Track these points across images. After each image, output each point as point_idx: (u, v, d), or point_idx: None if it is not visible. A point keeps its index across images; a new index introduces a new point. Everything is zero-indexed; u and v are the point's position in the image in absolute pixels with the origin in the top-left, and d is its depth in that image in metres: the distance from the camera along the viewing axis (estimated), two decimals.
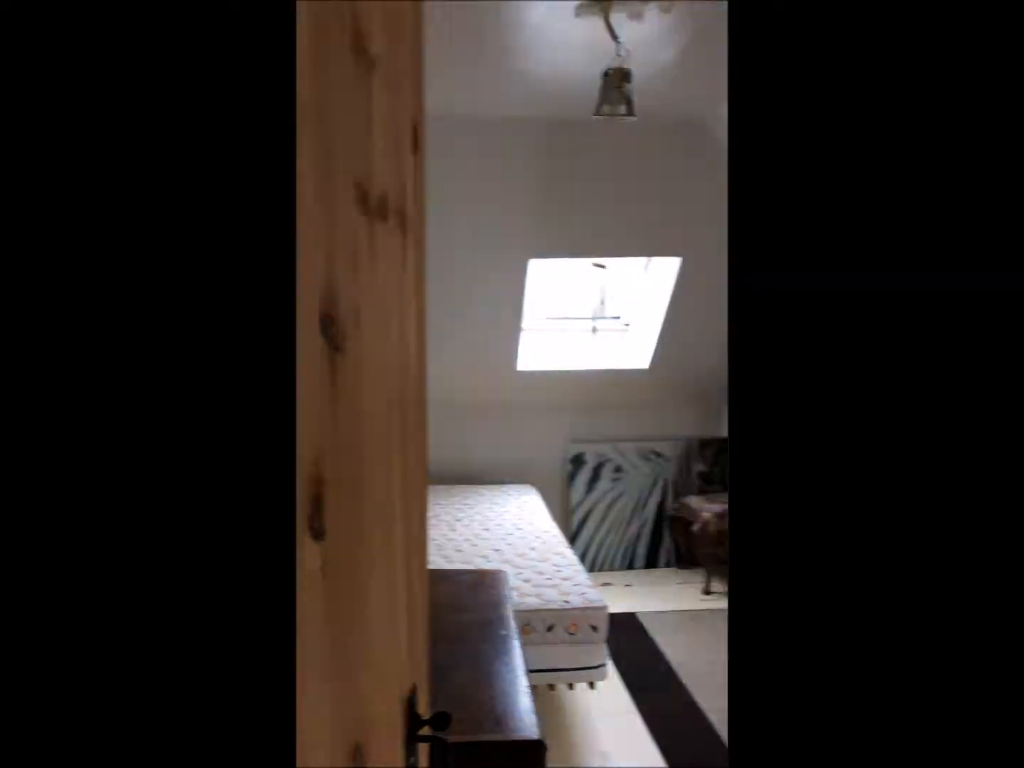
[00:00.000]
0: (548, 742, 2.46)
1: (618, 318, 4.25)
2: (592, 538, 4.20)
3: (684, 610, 3.62)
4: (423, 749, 0.95)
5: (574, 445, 4.23)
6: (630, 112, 2.04)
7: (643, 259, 3.88)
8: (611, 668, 3.01)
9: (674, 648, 3.20)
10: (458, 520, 3.52)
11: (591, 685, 2.52)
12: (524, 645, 1.95)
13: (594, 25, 2.02)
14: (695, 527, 3.81)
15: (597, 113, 2.06)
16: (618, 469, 4.22)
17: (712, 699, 2.77)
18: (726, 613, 3.80)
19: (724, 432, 4.04)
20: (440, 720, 0.87)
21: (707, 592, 3.82)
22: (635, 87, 2.10)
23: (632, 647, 3.23)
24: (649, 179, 3.23)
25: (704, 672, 2.99)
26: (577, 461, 4.21)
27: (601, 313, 4.21)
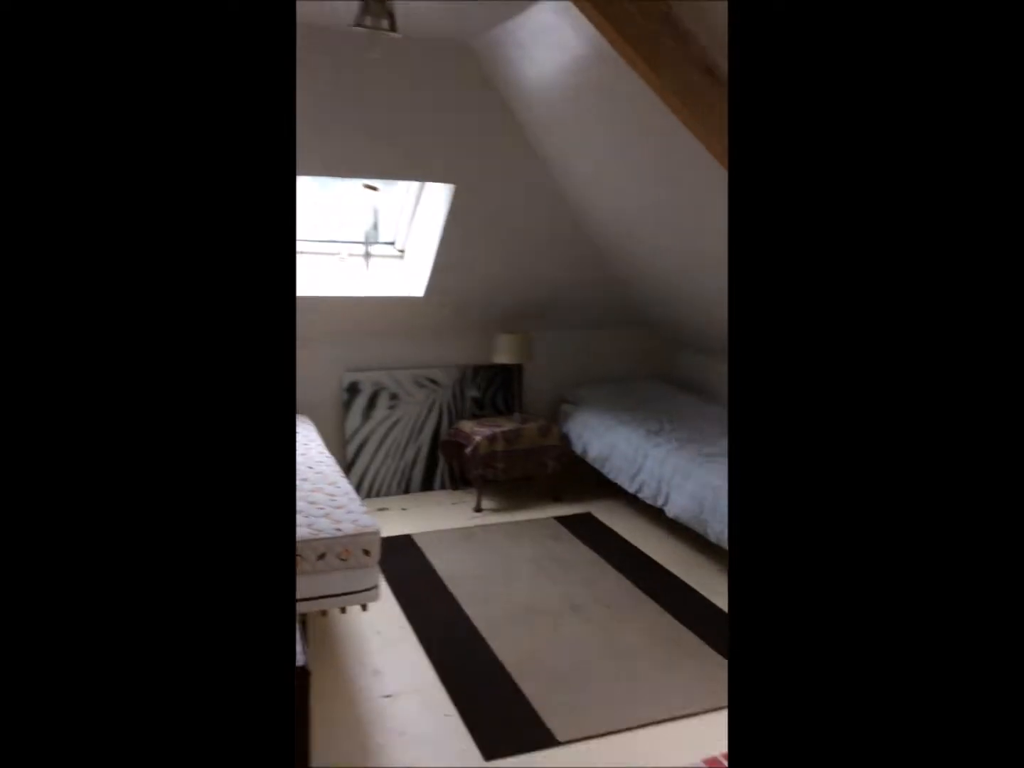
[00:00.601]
0: (320, 667, 2.49)
1: (392, 244, 4.19)
2: (368, 466, 4.22)
3: (456, 528, 3.80)
4: None
5: (349, 374, 4.16)
6: (392, 28, 1.96)
7: (416, 183, 3.83)
8: (385, 589, 3.10)
9: (446, 564, 3.37)
10: None
11: (363, 607, 2.58)
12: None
13: None
14: (468, 450, 3.98)
15: (358, 24, 1.95)
16: (394, 396, 4.25)
17: (478, 607, 2.97)
18: (493, 527, 4.06)
19: (495, 359, 4.20)
20: None
21: (478, 510, 4.04)
22: (399, 3, 2.01)
23: (406, 567, 3.34)
24: (419, 102, 3.16)
25: (472, 583, 3.19)
26: (352, 390, 4.16)
27: (374, 238, 4.12)
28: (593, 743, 2.18)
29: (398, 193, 3.97)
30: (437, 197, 3.74)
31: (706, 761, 2.07)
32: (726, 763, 2.07)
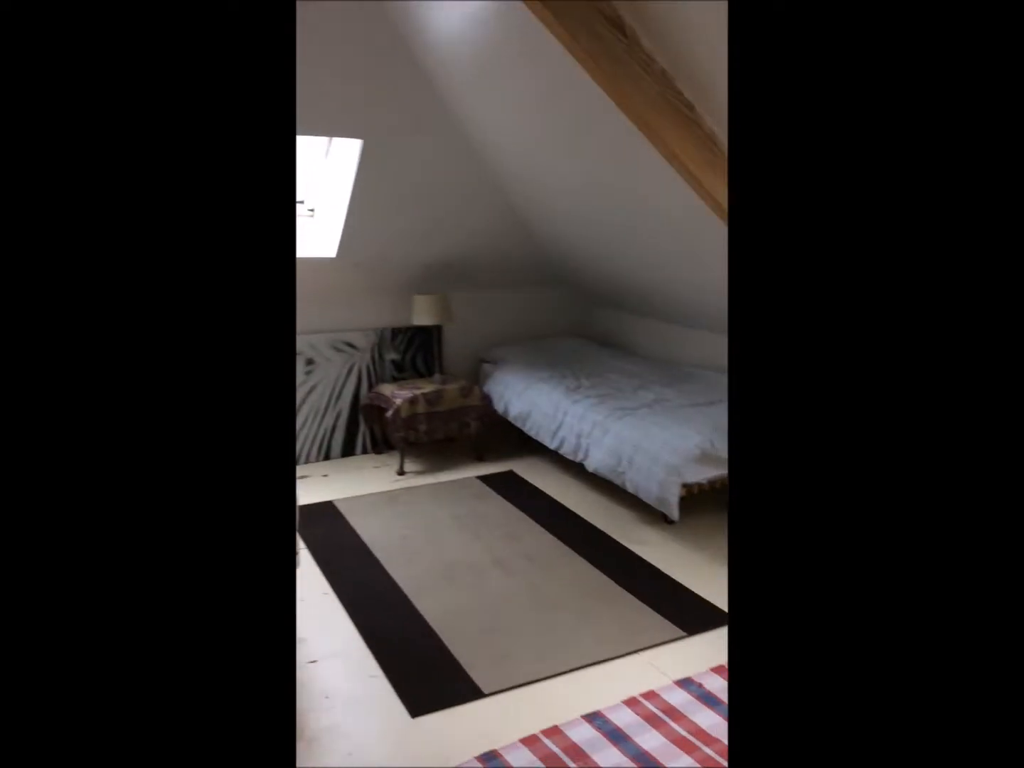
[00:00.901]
0: None
1: (302, 202, 4.03)
2: None
3: (379, 492, 3.78)
4: None
5: None
6: None
7: (324, 139, 3.68)
8: (307, 556, 3.06)
9: (370, 528, 3.35)
10: None
11: None
12: None
13: None
14: (388, 413, 3.94)
15: None
16: (310, 362, 4.14)
17: (402, 568, 2.98)
18: (417, 490, 4.04)
19: (414, 321, 4.15)
20: None
21: (401, 473, 4.02)
22: None
23: (329, 533, 3.30)
24: (323, 53, 3.02)
25: (396, 545, 3.19)
26: None
27: None
28: (517, 692, 2.24)
29: (305, 149, 3.81)
30: (347, 153, 3.61)
31: (625, 701, 2.17)
32: (644, 701, 2.17)
